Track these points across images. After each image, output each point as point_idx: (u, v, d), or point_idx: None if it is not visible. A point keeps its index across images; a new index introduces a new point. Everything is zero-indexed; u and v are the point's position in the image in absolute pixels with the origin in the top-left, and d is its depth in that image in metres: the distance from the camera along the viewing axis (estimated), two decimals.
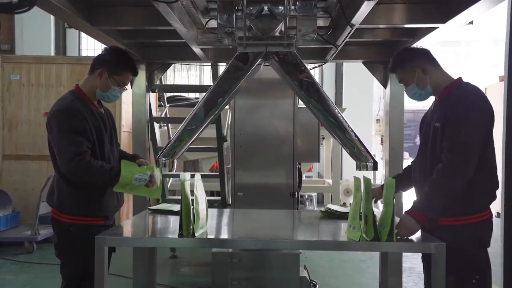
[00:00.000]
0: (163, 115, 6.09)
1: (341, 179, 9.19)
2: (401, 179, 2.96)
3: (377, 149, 10.91)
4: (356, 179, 2.60)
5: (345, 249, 2.86)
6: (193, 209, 2.52)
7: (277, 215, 3.41)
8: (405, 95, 2.94)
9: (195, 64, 6.26)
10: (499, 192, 2.74)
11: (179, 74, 12.76)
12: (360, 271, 5.54)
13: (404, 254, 4.50)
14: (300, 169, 4.56)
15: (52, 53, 11.32)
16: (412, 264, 5.52)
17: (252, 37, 3.04)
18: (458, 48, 18.62)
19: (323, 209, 3.32)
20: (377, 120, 11.48)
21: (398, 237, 2.49)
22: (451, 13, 3.09)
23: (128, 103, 6.58)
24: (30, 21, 10.80)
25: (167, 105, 6.30)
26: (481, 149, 2.52)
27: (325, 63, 4.50)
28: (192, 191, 2.62)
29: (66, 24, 5.13)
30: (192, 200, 2.58)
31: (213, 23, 3.30)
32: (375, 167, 2.86)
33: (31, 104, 7.22)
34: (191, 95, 9.88)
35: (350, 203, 7.61)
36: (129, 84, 3.05)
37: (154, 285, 3.87)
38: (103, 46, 3.07)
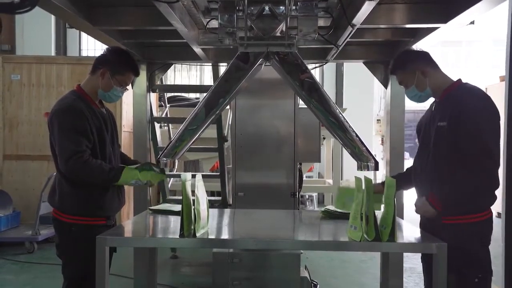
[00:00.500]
0: (163, 115, 6.08)
1: (341, 179, 9.17)
2: (401, 178, 2.98)
3: (377, 149, 10.91)
4: (357, 179, 2.60)
5: (346, 249, 2.85)
6: (194, 209, 2.52)
7: (277, 215, 3.41)
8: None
9: (195, 64, 6.25)
10: (499, 192, 2.74)
11: (180, 74, 12.76)
12: (361, 271, 5.54)
13: (405, 254, 4.50)
14: (300, 169, 4.56)
15: (53, 53, 11.32)
16: (413, 264, 5.52)
17: (253, 37, 3.03)
18: (459, 48, 18.64)
19: (323, 209, 3.32)
20: (377, 120, 11.48)
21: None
22: (452, 13, 3.09)
23: (129, 103, 6.57)
24: (30, 21, 10.81)
25: (168, 105, 6.28)
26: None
27: (326, 63, 4.49)
28: (193, 191, 2.62)
29: (67, 24, 5.13)
30: (193, 200, 2.58)
31: (214, 23, 3.30)
32: (376, 167, 2.85)
33: (32, 104, 7.22)
34: (192, 95, 9.88)
35: None
36: (130, 84, 3.06)
37: (155, 285, 3.87)
38: (104, 46, 3.07)
